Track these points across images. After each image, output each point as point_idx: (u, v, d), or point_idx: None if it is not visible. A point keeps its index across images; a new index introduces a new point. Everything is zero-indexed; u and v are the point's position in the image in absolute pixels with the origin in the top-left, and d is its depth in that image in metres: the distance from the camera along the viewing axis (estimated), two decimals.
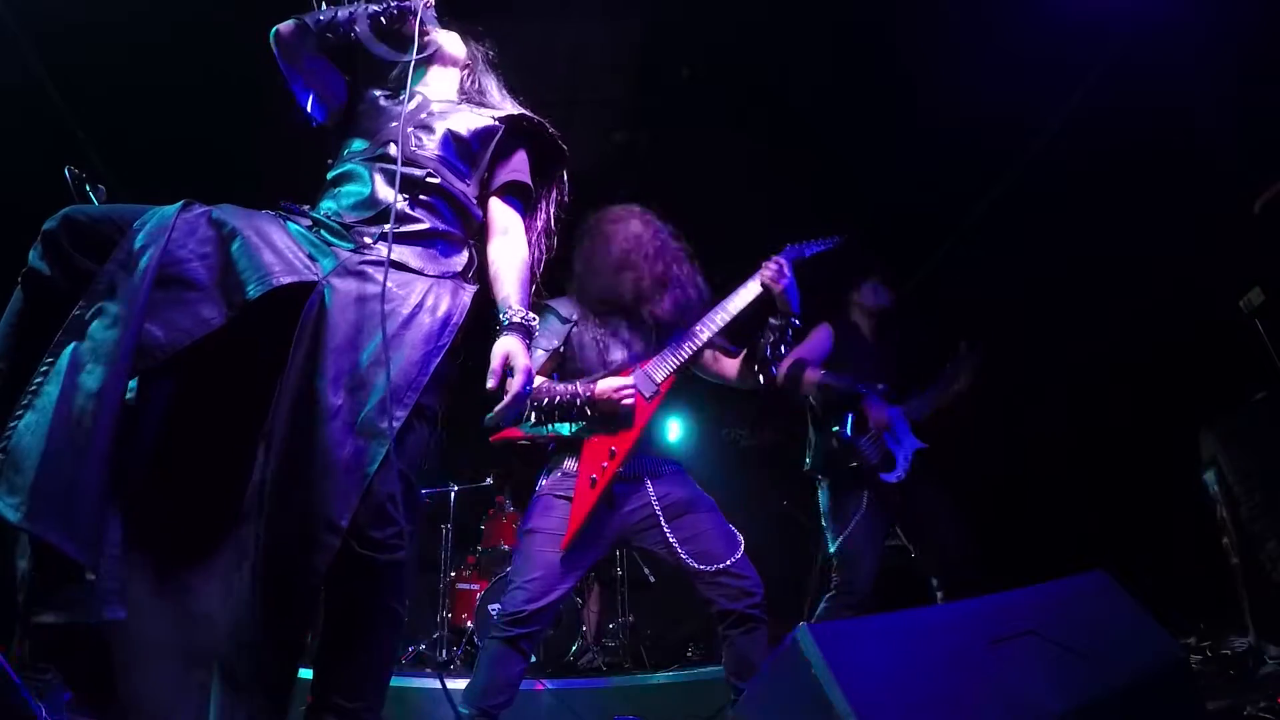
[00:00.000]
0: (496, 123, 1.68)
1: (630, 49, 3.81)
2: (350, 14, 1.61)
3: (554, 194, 1.83)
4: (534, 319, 1.51)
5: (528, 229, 1.71)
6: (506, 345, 1.44)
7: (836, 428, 2.82)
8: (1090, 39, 3.32)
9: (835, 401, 2.85)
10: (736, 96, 4.00)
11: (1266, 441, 2.54)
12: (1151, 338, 3.52)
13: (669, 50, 3.80)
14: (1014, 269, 3.95)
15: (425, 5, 1.69)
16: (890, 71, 3.66)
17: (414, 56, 1.64)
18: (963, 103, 3.53)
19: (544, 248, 1.80)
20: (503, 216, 1.66)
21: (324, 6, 1.61)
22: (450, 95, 1.79)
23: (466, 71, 1.83)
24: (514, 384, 1.40)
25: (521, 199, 1.71)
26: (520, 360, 1.42)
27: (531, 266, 1.66)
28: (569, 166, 1.84)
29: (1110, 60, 3.37)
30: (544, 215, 1.81)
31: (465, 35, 1.85)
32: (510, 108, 1.78)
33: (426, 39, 1.71)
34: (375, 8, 1.63)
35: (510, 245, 1.62)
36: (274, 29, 1.59)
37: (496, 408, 1.41)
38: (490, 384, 1.41)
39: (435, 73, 1.80)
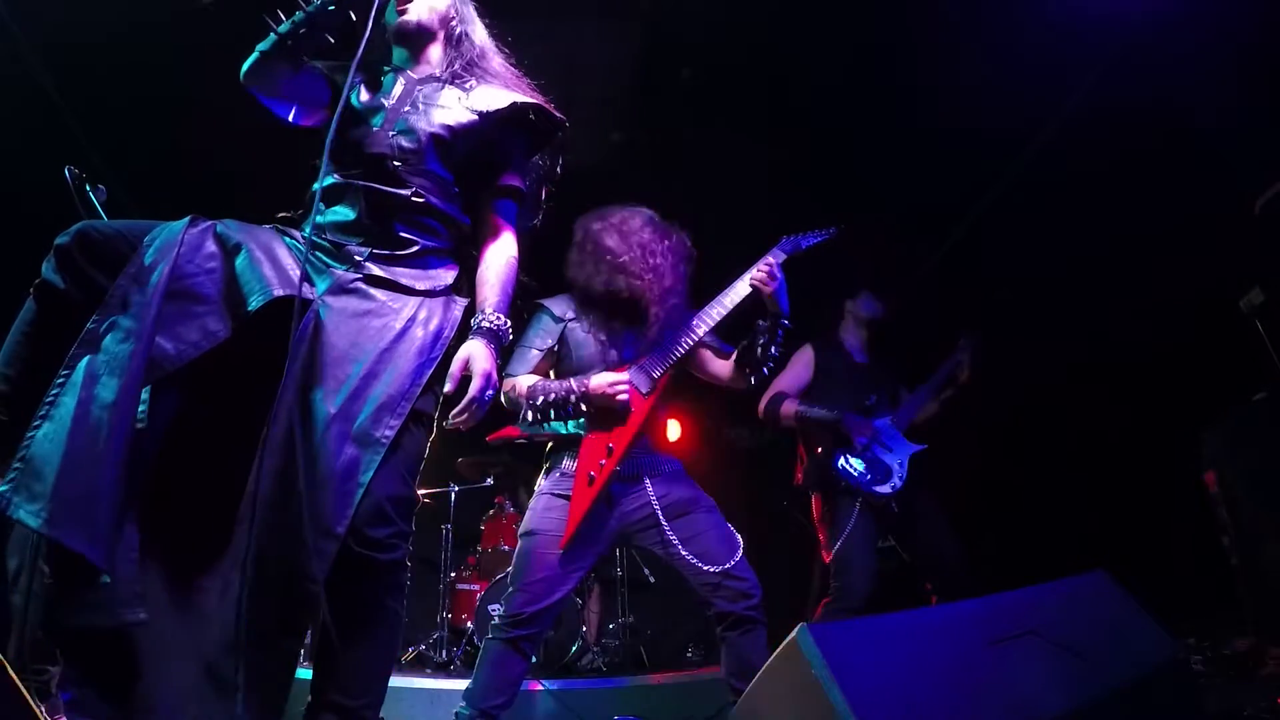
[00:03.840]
0: (478, 118, 1.59)
1: (630, 49, 3.81)
2: (312, 20, 1.47)
3: (549, 164, 1.82)
4: (507, 325, 1.53)
5: (520, 214, 1.70)
6: (470, 349, 1.46)
7: (820, 449, 2.83)
8: (1090, 38, 3.32)
9: (815, 430, 2.87)
10: (736, 96, 4.00)
11: (1266, 441, 2.54)
12: (1151, 338, 3.52)
13: (669, 50, 3.80)
14: (1013, 268, 3.95)
15: None
16: (890, 71, 3.66)
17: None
18: (962, 103, 3.53)
19: (538, 210, 1.80)
20: (495, 220, 1.65)
21: (282, 22, 1.48)
22: (434, 69, 1.67)
23: (455, 23, 1.70)
24: (472, 389, 1.43)
25: (514, 200, 1.69)
26: (480, 364, 1.44)
27: (516, 275, 1.63)
28: (568, 159, 1.82)
29: (1110, 60, 3.37)
30: (539, 187, 1.80)
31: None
32: (492, 95, 1.64)
33: (404, 18, 1.62)
34: (333, 9, 1.47)
35: (500, 250, 1.62)
36: (243, 71, 1.50)
37: (452, 412, 1.44)
38: (448, 387, 1.43)
39: (418, 43, 1.69)
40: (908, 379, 3.10)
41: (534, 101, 1.66)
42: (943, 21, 3.40)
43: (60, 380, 1.13)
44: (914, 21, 3.45)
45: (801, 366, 2.99)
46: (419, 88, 1.61)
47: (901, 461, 2.79)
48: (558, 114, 1.71)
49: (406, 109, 1.57)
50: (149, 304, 1.17)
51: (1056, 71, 3.45)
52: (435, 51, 1.70)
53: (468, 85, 1.65)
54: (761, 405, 2.94)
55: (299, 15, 1.45)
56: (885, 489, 2.72)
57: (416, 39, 1.67)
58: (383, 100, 1.58)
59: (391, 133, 1.53)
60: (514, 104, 1.62)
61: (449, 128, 1.56)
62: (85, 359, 1.14)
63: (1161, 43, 3.17)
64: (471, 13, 1.76)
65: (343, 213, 1.51)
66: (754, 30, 3.64)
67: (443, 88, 1.62)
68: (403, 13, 1.62)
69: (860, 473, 2.74)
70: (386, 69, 1.67)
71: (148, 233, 1.27)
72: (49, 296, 1.24)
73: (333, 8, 1.46)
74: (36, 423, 1.11)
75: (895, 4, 3.43)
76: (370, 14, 1.46)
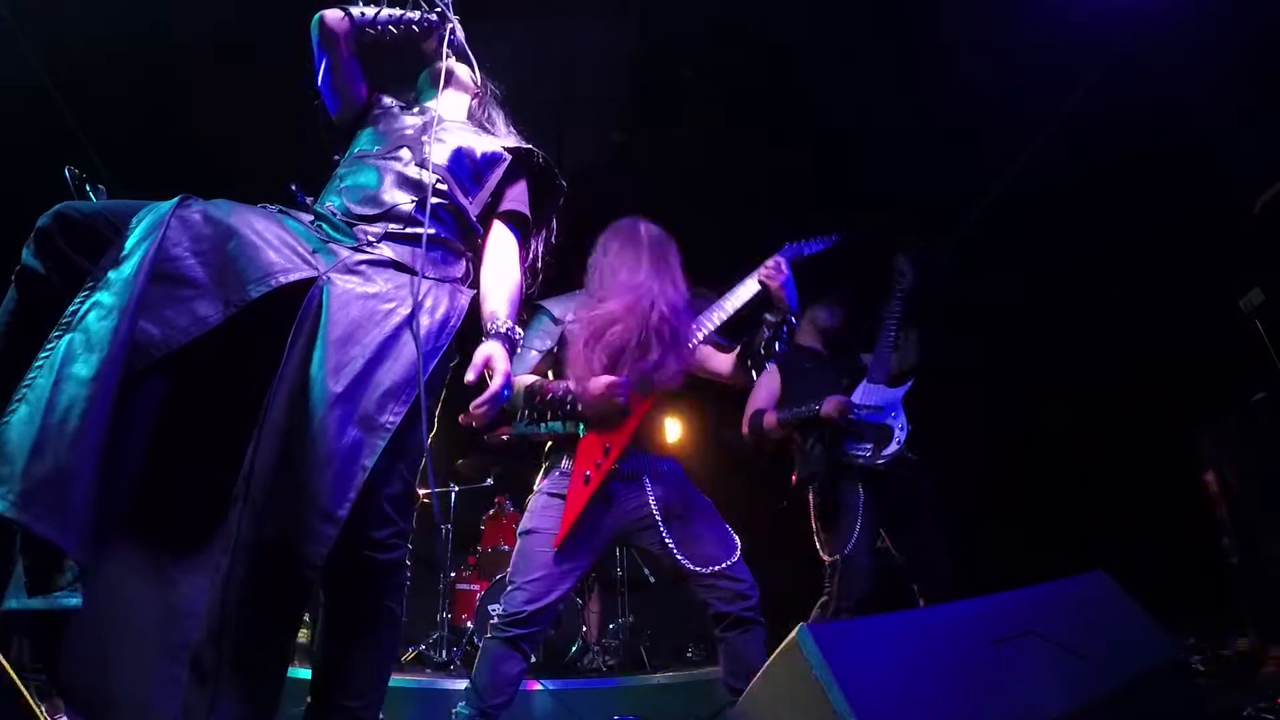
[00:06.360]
0: (504, 152, 1.73)
1: (630, 49, 3.81)
2: (389, 17, 1.67)
3: (545, 231, 1.87)
4: (519, 333, 1.57)
5: (521, 258, 1.75)
6: (489, 349, 1.48)
7: (817, 444, 2.83)
8: (1090, 39, 3.32)
9: (803, 428, 2.88)
10: (736, 96, 4.00)
11: (1266, 441, 2.54)
12: (1151, 338, 3.52)
13: (669, 50, 3.80)
14: (1014, 268, 3.95)
15: (451, 29, 1.77)
16: (890, 71, 3.66)
17: (444, 61, 1.75)
18: (962, 103, 3.53)
19: (532, 277, 1.84)
20: (500, 241, 1.70)
21: (362, 3, 1.66)
22: (460, 117, 1.84)
23: (476, 100, 1.90)
24: (493, 385, 1.45)
25: (519, 228, 1.75)
26: (500, 364, 1.46)
27: (522, 291, 1.70)
28: (567, 178, 1.88)
29: (1110, 60, 3.37)
30: (535, 249, 1.84)
31: (476, 71, 1.92)
32: (516, 141, 1.83)
33: (447, 62, 1.79)
34: (410, 15, 1.70)
35: (504, 267, 1.66)
36: (319, 14, 1.60)
37: (472, 404, 1.46)
38: (469, 377, 1.44)
39: (449, 95, 1.84)
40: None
41: (548, 158, 1.82)
42: (943, 22, 3.40)
43: (39, 363, 1.07)
44: (914, 21, 3.45)
45: (768, 379, 3.01)
46: (447, 120, 1.76)
47: (896, 413, 2.78)
48: (562, 181, 1.86)
49: (437, 128, 1.69)
50: (132, 282, 1.12)
51: (1056, 71, 3.45)
52: (461, 108, 1.87)
53: (488, 132, 1.84)
54: (744, 428, 2.97)
55: (380, 13, 1.66)
56: (893, 447, 2.72)
57: (448, 84, 1.85)
58: (415, 116, 1.72)
59: (423, 136, 1.63)
60: (530, 150, 1.79)
61: (476, 148, 1.69)
62: (65, 339, 1.07)
63: (1161, 43, 3.17)
64: (494, 102, 1.94)
65: (361, 188, 1.53)
66: (754, 30, 3.64)
67: (467, 125, 1.81)
68: (447, 57, 1.81)
69: (865, 446, 2.74)
70: (419, 99, 1.82)
71: (134, 213, 1.21)
72: (30, 282, 1.17)
73: (408, 20, 1.69)
74: (12, 407, 1.03)
75: (896, 4, 3.43)
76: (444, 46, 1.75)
